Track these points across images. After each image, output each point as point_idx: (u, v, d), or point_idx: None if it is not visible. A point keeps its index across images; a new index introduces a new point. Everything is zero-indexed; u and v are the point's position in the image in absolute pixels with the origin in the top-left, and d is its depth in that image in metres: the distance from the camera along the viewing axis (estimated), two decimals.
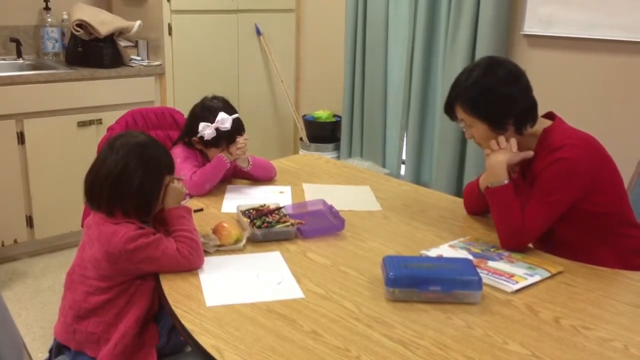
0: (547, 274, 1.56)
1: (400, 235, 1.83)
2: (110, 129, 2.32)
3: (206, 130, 2.10)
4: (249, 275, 1.54)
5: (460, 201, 2.07)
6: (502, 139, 1.76)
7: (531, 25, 2.93)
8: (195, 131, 2.13)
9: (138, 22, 3.42)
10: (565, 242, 1.75)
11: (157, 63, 3.56)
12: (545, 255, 1.69)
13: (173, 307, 1.39)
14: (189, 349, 1.67)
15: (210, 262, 1.60)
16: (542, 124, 1.79)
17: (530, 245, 1.75)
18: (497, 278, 1.52)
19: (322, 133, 4.06)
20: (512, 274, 1.55)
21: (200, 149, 2.20)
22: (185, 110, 2.30)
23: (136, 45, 3.67)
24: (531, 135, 1.77)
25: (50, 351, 1.67)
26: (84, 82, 3.24)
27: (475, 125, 1.79)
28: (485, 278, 1.50)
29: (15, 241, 3.21)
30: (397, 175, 3.68)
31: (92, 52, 3.34)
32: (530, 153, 1.76)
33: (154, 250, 1.52)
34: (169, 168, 1.65)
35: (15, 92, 3.03)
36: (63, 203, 3.26)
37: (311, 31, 4.17)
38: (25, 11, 3.61)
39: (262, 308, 1.39)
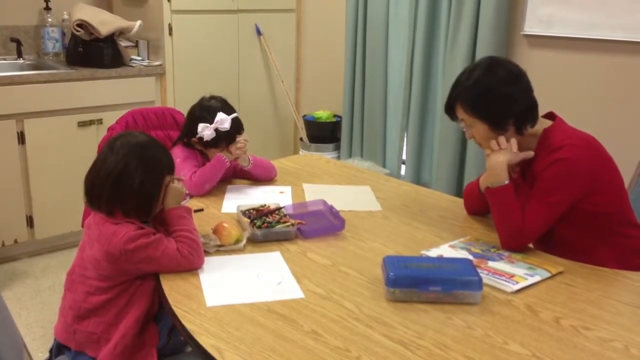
0: (548, 274, 1.56)
1: (400, 235, 1.83)
2: (110, 129, 2.32)
3: (205, 131, 2.10)
4: (249, 276, 1.54)
5: (460, 201, 2.07)
6: (502, 139, 1.76)
7: (531, 26, 2.93)
8: (194, 132, 2.12)
9: (138, 22, 3.42)
10: (566, 242, 1.75)
11: (157, 63, 3.56)
12: (546, 256, 1.69)
13: (173, 307, 1.39)
14: (189, 349, 1.67)
15: (210, 262, 1.60)
16: (543, 124, 1.79)
17: (531, 245, 1.75)
18: (498, 278, 1.52)
19: (323, 133, 4.06)
20: (512, 274, 1.55)
21: (200, 149, 2.20)
22: (185, 110, 2.30)
23: (136, 45, 3.67)
24: (531, 136, 1.77)
25: (51, 351, 1.67)
26: (85, 82, 3.24)
27: (475, 126, 1.79)
28: (486, 278, 1.50)
29: (16, 241, 3.22)
30: (398, 176, 3.68)
31: (93, 52, 3.34)
32: (531, 153, 1.76)
33: (154, 250, 1.52)
34: (169, 168, 1.65)
35: (16, 92, 3.03)
36: (63, 203, 3.26)
37: (311, 31, 4.17)
38: (25, 11, 3.61)
39: (262, 308, 1.39)
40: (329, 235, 1.80)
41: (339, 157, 4.01)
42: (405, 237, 1.82)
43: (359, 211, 2.00)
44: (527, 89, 1.76)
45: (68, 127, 3.23)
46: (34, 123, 3.12)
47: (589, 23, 2.72)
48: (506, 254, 1.68)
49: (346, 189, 2.23)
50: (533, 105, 1.77)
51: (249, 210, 1.88)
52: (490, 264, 1.61)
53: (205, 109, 2.16)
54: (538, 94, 1.77)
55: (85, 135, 3.28)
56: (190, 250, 1.55)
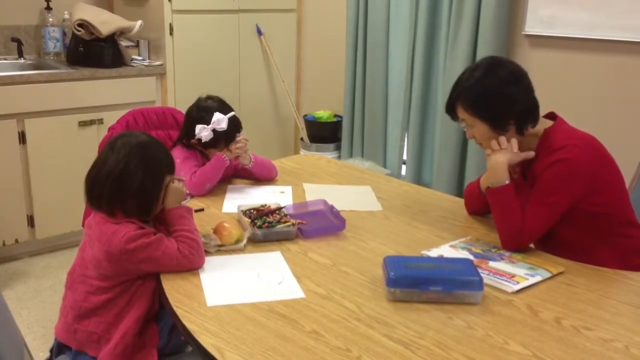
0: (548, 275, 1.56)
1: (401, 235, 1.83)
2: (111, 128, 2.32)
3: (203, 132, 2.10)
4: (249, 275, 1.54)
5: (461, 201, 2.07)
6: (503, 139, 1.76)
7: (532, 26, 2.93)
8: (193, 133, 2.12)
9: (139, 22, 3.43)
10: (566, 243, 1.75)
11: (158, 63, 3.56)
12: (546, 256, 1.69)
13: (174, 307, 1.39)
14: (189, 349, 1.67)
15: (211, 262, 1.60)
16: (544, 124, 1.79)
17: (531, 245, 1.75)
18: (498, 278, 1.52)
19: (323, 133, 4.06)
20: (513, 274, 1.55)
21: (200, 150, 2.20)
22: (186, 110, 2.30)
23: (137, 45, 3.67)
24: (532, 136, 1.77)
25: (51, 351, 1.67)
26: (85, 82, 3.24)
27: (476, 125, 1.79)
28: (486, 278, 1.50)
29: (16, 241, 3.22)
30: (398, 176, 3.68)
31: (93, 52, 3.34)
32: (532, 153, 1.76)
33: (154, 250, 1.52)
34: (170, 168, 1.65)
35: (17, 92, 3.03)
36: (64, 203, 3.26)
37: (312, 31, 4.17)
38: (26, 11, 3.61)
39: (262, 308, 1.39)
40: (329, 235, 1.80)
41: (339, 157, 4.01)
42: (406, 237, 1.82)
43: (360, 211, 2.00)
44: (528, 89, 1.76)
45: (69, 127, 3.24)
46: (34, 123, 3.12)
47: (589, 23, 2.72)
48: (507, 254, 1.68)
49: (347, 189, 2.23)
50: (534, 105, 1.76)
51: (249, 210, 1.88)
52: (491, 264, 1.61)
53: (202, 110, 2.15)
54: (539, 94, 1.77)
55: (86, 135, 3.28)
56: (191, 250, 1.55)
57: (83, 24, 3.31)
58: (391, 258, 1.52)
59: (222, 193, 2.13)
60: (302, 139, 4.11)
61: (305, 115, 4.15)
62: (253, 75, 4.02)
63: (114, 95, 3.34)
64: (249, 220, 1.80)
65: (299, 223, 1.80)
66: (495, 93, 1.74)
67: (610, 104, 2.74)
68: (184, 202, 1.72)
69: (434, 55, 3.39)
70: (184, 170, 2.07)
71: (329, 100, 4.13)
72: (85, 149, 3.19)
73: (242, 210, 1.88)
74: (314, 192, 2.15)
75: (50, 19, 3.59)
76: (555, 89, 2.87)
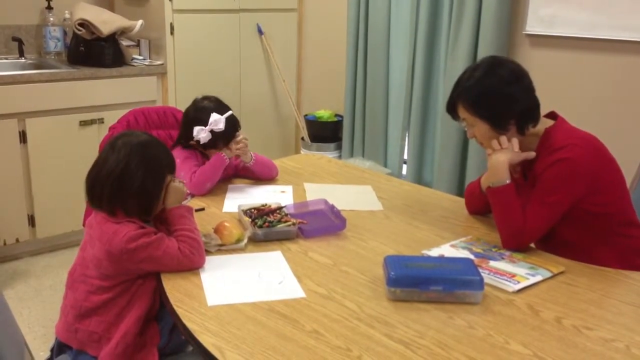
0: (549, 274, 1.56)
1: (401, 235, 1.83)
2: (111, 128, 2.32)
3: (201, 134, 2.10)
4: (250, 275, 1.54)
5: (461, 201, 2.07)
6: (503, 138, 1.75)
7: (533, 25, 2.93)
8: (191, 135, 2.12)
9: (140, 22, 3.43)
10: (567, 242, 1.75)
11: (159, 62, 3.56)
12: (547, 255, 1.69)
13: (174, 307, 1.39)
14: (190, 348, 1.67)
15: (211, 261, 1.60)
16: (544, 123, 1.79)
17: (532, 245, 1.75)
18: (499, 278, 1.52)
19: (324, 133, 4.06)
20: (513, 273, 1.55)
21: (200, 150, 2.20)
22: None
23: (138, 45, 3.67)
24: (533, 135, 1.77)
25: (52, 350, 1.67)
26: (86, 82, 3.24)
27: (476, 125, 1.78)
28: (487, 278, 1.50)
29: (17, 240, 3.22)
30: (399, 175, 3.68)
31: (94, 52, 3.34)
32: (532, 154, 1.75)
33: (155, 250, 1.52)
34: (171, 167, 1.65)
35: (17, 92, 3.03)
36: (65, 202, 3.26)
37: (313, 30, 4.17)
38: (27, 10, 3.61)
39: (263, 307, 1.39)
40: (330, 235, 1.80)
41: (340, 157, 4.01)
42: (407, 236, 1.82)
43: (360, 211, 2.00)
44: (528, 88, 1.76)
45: (69, 127, 3.24)
46: (35, 122, 3.12)
47: (590, 23, 2.72)
48: (507, 253, 1.68)
49: (347, 189, 2.23)
50: (535, 105, 1.76)
51: (250, 209, 1.88)
52: (492, 263, 1.60)
53: (199, 110, 2.15)
54: (539, 93, 1.77)
55: (87, 134, 3.28)
56: (192, 250, 1.55)
57: (84, 24, 3.31)
58: (392, 257, 1.52)
59: (223, 193, 2.13)
60: (302, 138, 4.11)
61: (306, 115, 4.15)
62: (254, 74, 4.02)
63: (114, 94, 3.34)
64: (250, 220, 1.80)
65: (299, 222, 1.80)
66: (496, 93, 1.73)
67: (611, 104, 2.74)
68: (184, 202, 1.72)
69: (435, 54, 3.39)
70: (184, 170, 2.07)
71: (330, 100, 4.13)
72: (86, 149, 3.19)
73: (242, 210, 1.88)
74: (315, 192, 2.15)
75: (51, 19, 3.59)
76: (556, 89, 2.87)
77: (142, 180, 1.56)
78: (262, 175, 2.27)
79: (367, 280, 1.53)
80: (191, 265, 1.55)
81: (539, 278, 1.54)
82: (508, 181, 1.73)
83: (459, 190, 3.22)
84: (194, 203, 1.99)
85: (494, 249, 1.70)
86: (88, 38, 3.35)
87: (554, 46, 2.89)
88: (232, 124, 2.14)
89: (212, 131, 2.10)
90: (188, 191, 1.97)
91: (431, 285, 1.42)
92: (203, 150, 2.19)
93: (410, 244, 1.76)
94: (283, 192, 2.16)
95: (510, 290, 1.48)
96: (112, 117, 3.04)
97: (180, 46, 3.59)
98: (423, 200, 2.13)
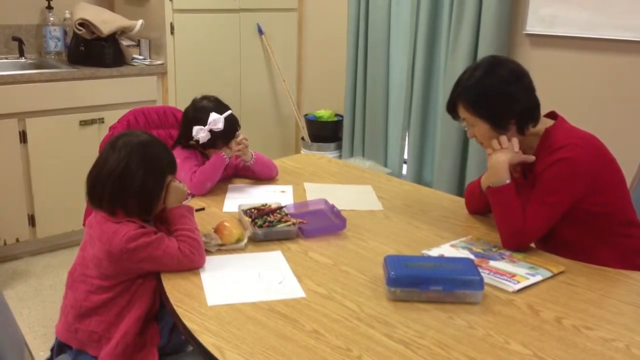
0: (549, 274, 1.56)
1: (401, 234, 1.83)
2: (112, 128, 2.32)
3: (200, 133, 2.10)
4: (250, 275, 1.54)
5: (461, 201, 2.07)
6: (503, 138, 1.75)
7: (533, 25, 2.92)
8: (190, 135, 2.12)
9: (140, 22, 3.43)
10: (567, 242, 1.75)
11: (159, 62, 3.56)
12: (547, 255, 1.69)
13: (174, 307, 1.39)
14: (190, 348, 1.67)
15: (211, 261, 1.60)
16: (545, 123, 1.79)
17: (532, 245, 1.75)
18: (499, 278, 1.52)
19: (324, 132, 4.06)
20: (513, 273, 1.55)
21: (200, 150, 2.20)
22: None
23: (138, 45, 3.67)
24: (533, 135, 1.77)
25: (52, 350, 1.67)
26: (86, 81, 3.24)
27: (477, 125, 1.78)
28: (487, 278, 1.50)
29: (17, 240, 3.22)
30: (399, 175, 3.68)
31: (95, 51, 3.34)
32: (532, 158, 1.76)
33: (155, 250, 1.52)
34: (171, 167, 1.65)
35: (18, 91, 3.03)
36: (65, 202, 3.26)
37: (313, 30, 4.17)
38: (27, 10, 3.61)
39: (263, 307, 1.39)
40: (330, 235, 1.80)
41: (340, 157, 4.01)
42: (407, 236, 1.82)
43: (361, 210, 2.00)
44: (528, 88, 1.76)
45: (70, 126, 3.24)
46: (35, 122, 3.12)
47: (591, 22, 2.72)
48: (507, 253, 1.68)
49: (347, 189, 2.23)
50: (535, 105, 1.76)
51: (250, 209, 1.88)
52: (492, 263, 1.60)
53: (198, 110, 2.15)
54: (540, 93, 1.77)
55: (87, 134, 3.28)
56: (192, 250, 1.55)
57: (84, 23, 3.31)
58: (392, 257, 1.52)
59: (223, 192, 2.13)
60: (302, 138, 4.11)
61: (306, 115, 4.15)
62: (254, 74, 4.02)
63: (114, 94, 3.34)
64: (250, 220, 1.80)
65: (299, 222, 1.80)
66: (496, 92, 1.73)
67: (611, 104, 2.74)
68: (184, 202, 1.72)
69: (435, 54, 3.39)
70: (184, 170, 2.07)
71: (330, 100, 4.13)
72: (86, 149, 3.19)
73: (242, 210, 1.88)
74: (315, 192, 2.15)
75: (51, 18, 3.59)
76: (556, 89, 2.86)
77: (142, 179, 1.56)
78: (262, 175, 2.26)
79: (367, 280, 1.53)
80: (191, 265, 1.55)
81: (539, 278, 1.54)
82: (508, 181, 1.73)
83: (459, 190, 3.21)
84: (194, 203, 1.99)
85: (494, 249, 1.70)
86: (88, 38, 3.35)
87: (554, 46, 2.89)
88: (232, 124, 2.14)
89: (211, 131, 2.10)
90: (189, 191, 1.97)
91: (431, 285, 1.42)
92: (203, 150, 2.19)
93: (410, 243, 1.76)
94: (283, 192, 2.16)
95: (510, 290, 1.48)
96: (112, 117, 3.04)
97: (181, 46, 3.59)
98: (423, 200, 2.13)
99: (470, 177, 3.18)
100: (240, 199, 2.07)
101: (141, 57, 3.63)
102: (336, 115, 4.08)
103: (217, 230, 1.71)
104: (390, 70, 3.67)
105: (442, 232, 1.84)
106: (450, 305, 1.42)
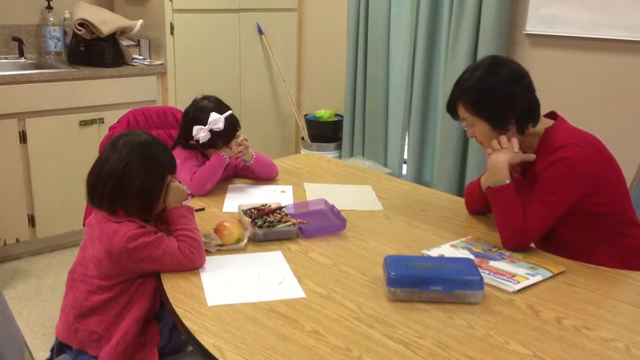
0: (549, 274, 1.56)
1: (401, 234, 1.83)
2: (112, 128, 2.32)
3: (200, 133, 2.10)
4: (250, 275, 1.54)
5: (461, 201, 2.07)
6: (503, 138, 1.75)
7: (533, 25, 2.92)
8: (191, 135, 2.12)
9: (140, 22, 3.43)
10: (567, 242, 1.75)
11: (159, 62, 3.56)
12: (547, 255, 1.69)
13: (174, 307, 1.39)
14: (190, 348, 1.67)
15: (211, 261, 1.60)
16: (544, 123, 1.79)
17: (532, 245, 1.75)
18: (499, 278, 1.52)
19: (324, 132, 4.06)
20: (513, 273, 1.55)
21: (200, 150, 2.20)
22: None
23: (138, 45, 3.67)
24: (533, 135, 1.77)
25: (52, 350, 1.67)
26: (86, 81, 3.24)
27: (476, 125, 1.78)
28: (487, 278, 1.50)
29: (17, 240, 3.22)
30: (399, 175, 3.68)
31: (94, 51, 3.34)
32: (532, 156, 1.75)
33: (155, 249, 1.52)
34: (171, 167, 1.65)
35: (17, 91, 3.03)
36: (65, 202, 3.26)
37: (313, 30, 4.17)
38: (27, 10, 3.61)
39: (263, 308, 1.39)
40: (330, 235, 1.80)
41: (340, 157, 4.01)
42: (407, 236, 1.82)
43: (360, 210, 2.00)
44: (529, 88, 1.75)
45: (69, 126, 3.24)
46: (35, 122, 3.12)
47: (591, 22, 2.72)
48: (507, 253, 1.68)
49: (347, 189, 2.23)
50: (535, 105, 1.76)
51: (250, 209, 1.88)
52: (492, 263, 1.60)
53: (198, 110, 2.15)
54: (540, 93, 1.77)
55: (87, 134, 3.29)
56: (192, 250, 1.55)
57: (84, 24, 3.31)
58: (392, 257, 1.52)
59: (223, 192, 2.13)
60: (302, 138, 4.11)
61: (306, 115, 4.15)
62: (254, 74, 4.02)
63: (114, 94, 3.34)
64: (250, 220, 1.80)
65: (299, 222, 1.80)
66: (496, 92, 1.73)
67: (612, 104, 2.74)
68: (184, 202, 1.72)
69: (435, 54, 3.39)
70: (184, 170, 2.07)
71: (330, 100, 4.13)
72: (86, 149, 3.19)
73: (242, 210, 1.88)
74: (315, 192, 2.15)
75: (51, 18, 3.59)
76: (556, 88, 2.86)
77: (142, 179, 1.56)
78: (262, 175, 2.26)
79: (367, 280, 1.53)
80: (191, 265, 1.56)
81: (539, 278, 1.54)
82: (508, 181, 1.73)
83: (459, 190, 3.22)
84: (194, 203, 1.99)
85: (494, 249, 1.70)
86: (88, 38, 3.35)
87: (554, 46, 2.88)
88: (232, 124, 2.14)
89: (211, 131, 2.10)
90: (189, 191, 1.97)
91: (431, 285, 1.42)
92: (203, 150, 2.19)
93: (410, 243, 1.76)
94: (283, 192, 2.16)
95: (510, 290, 1.48)
96: (112, 117, 3.04)
97: (180, 46, 3.59)
98: (423, 200, 2.13)
99: (470, 177, 3.18)
100: (240, 199, 2.07)
101: (141, 57, 3.63)
102: (336, 115, 4.08)
103: (217, 230, 1.71)
104: (390, 70, 3.67)
105: (442, 232, 1.84)
106: (450, 305, 1.42)
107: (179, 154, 2.14)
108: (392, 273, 1.43)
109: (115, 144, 1.59)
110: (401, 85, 3.60)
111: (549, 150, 1.72)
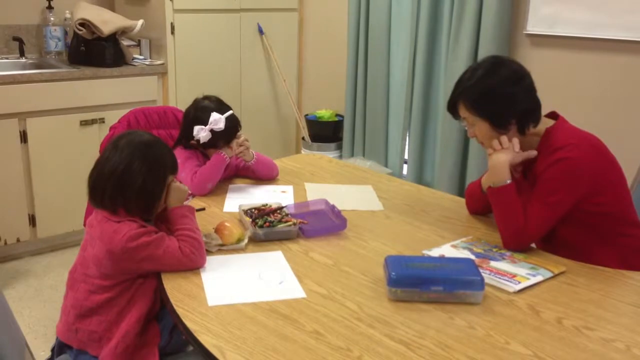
0: (550, 274, 1.56)
1: (402, 235, 1.83)
2: (112, 128, 2.32)
3: (201, 133, 2.10)
4: (250, 275, 1.54)
5: (462, 201, 2.07)
6: (504, 138, 1.75)
7: (534, 25, 2.92)
8: (192, 135, 2.12)
9: (140, 21, 3.43)
10: (568, 243, 1.75)
11: (159, 62, 3.56)
12: (548, 255, 1.69)
13: (175, 307, 1.39)
14: (190, 348, 1.67)
15: (212, 261, 1.60)
16: (545, 123, 1.79)
17: (533, 245, 1.75)
18: (500, 278, 1.52)
19: (325, 132, 4.06)
20: (514, 274, 1.55)
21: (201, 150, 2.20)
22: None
23: (139, 45, 3.68)
24: (534, 135, 1.77)
25: (53, 350, 1.67)
26: (87, 81, 3.25)
27: (477, 124, 1.78)
28: (488, 278, 1.50)
29: (18, 240, 3.22)
30: (399, 175, 3.68)
31: (95, 51, 3.35)
32: (534, 152, 1.75)
33: (155, 249, 1.52)
34: (173, 167, 1.65)
35: (18, 91, 3.03)
36: (65, 202, 3.26)
37: (314, 30, 4.17)
38: (28, 10, 3.61)
39: (264, 308, 1.39)
40: (330, 235, 1.80)
41: (341, 157, 4.00)
42: (407, 236, 1.82)
43: (361, 211, 2.00)
44: (529, 89, 1.75)
45: (70, 126, 3.24)
46: (36, 122, 3.12)
47: (592, 22, 2.72)
48: (508, 253, 1.68)
49: (348, 189, 2.23)
50: (536, 105, 1.76)
51: (250, 209, 1.88)
52: (492, 263, 1.60)
53: (199, 110, 2.15)
54: (540, 93, 1.77)
55: (88, 134, 3.29)
56: (192, 249, 1.55)
57: (84, 23, 3.31)
58: (392, 258, 1.52)
59: (224, 192, 2.13)
60: (303, 138, 4.11)
61: (307, 115, 4.15)
62: (254, 74, 4.02)
63: (115, 94, 3.34)
64: (250, 220, 1.80)
65: (300, 222, 1.80)
66: (497, 92, 1.73)
67: (612, 104, 2.73)
68: (185, 202, 1.72)
69: (436, 54, 3.39)
70: (185, 170, 2.07)
71: (331, 100, 4.13)
72: (86, 148, 3.19)
73: (243, 210, 1.88)
74: (315, 192, 2.15)
75: (52, 18, 3.60)
76: (557, 89, 2.86)
77: (143, 179, 1.56)
78: (262, 175, 2.26)
79: (367, 280, 1.53)
80: (192, 265, 1.56)
81: (539, 278, 1.54)
82: (509, 181, 1.73)
83: (460, 190, 3.22)
84: (195, 203, 1.99)
85: (494, 249, 1.70)
86: (89, 38, 3.35)
87: (554, 46, 2.88)
88: (233, 124, 2.14)
89: (212, 131, 2.10)
90: (190, 191, 1.97)
91: (432, 286, 1.42)
92: (204, 150, 2.19)
93: (410, 244, 1.76)
94: (284, 192, 2.16)
95: (511, 290, 1.48)
96: (112, 117, 3.04)
97: (181, 46, 3.59)
98: (424, 200, 2.13)
99: (470, 177, 3.18)
100: (241, 199, 2.07)
101: (141, 57, 3.63)
102: (337, 115, 4.08)
103: (217, 230, 1.71)
104: (390, 70, 3.67)
105: (442, 232, 1.84)
106: (451, 305, 1.42)
107: (179, 154, 2.14)
108: (393, 273, 1.43)
109: (117, 144, 1.59)
110: (402, 85, 3.60)
111: (550, 150, 1.72)
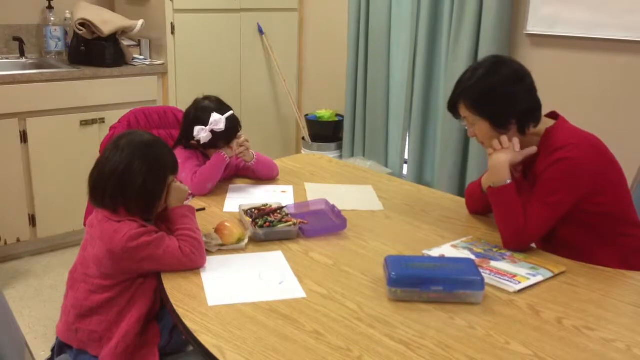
0: (550, 274, 1.56)
1: (402, 235, 1.83)
2: (112, 128, 2.32)
3: (201, 133, 2.10)
4: (251, 275, 1.54)
5: (462, 201, 2.07)
6: (504, 138, 1.75)
7: (534, 25, 2.92)
8: (192, 135, 2.12)
9: (141, 22, 3.43)
10: (568, 243, 1.75)
11: (159, 62, 3.56)
12: (548, 255, 1.69)
13: (175, 307, 1.39)
14: (190, 348, 1.67)
15: (212, 261, 1.60)
16: (545, 123, 1.79)
17: (533, 245, 1.75)
18: (500, 278, 1.52)
19: (325, 132, 4.06)
20: (514, 274, 1.55)
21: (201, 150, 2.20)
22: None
23: (139, 45, 3.68)
24: (534, 135, 1.77)
25: (53, 350, 1.67)
26: (87, 81, 3.25)
27: (477, 124, 1.78)
28: (488, 278, 1.50)
29: (18, 240, 3.22)
30: (400, 175, 3.68)
31: (95, 51, 3.35)
32: (534, 149, 1.75)
33: (156, 249, 1.52)
34: (173, 167, 1.65)
35: (18, 91, 3.03)
36: (65, 202, 3.26)
37: (314, 30, 4.17)
38: (28, 10, 3.61)
39: (264, 308, 1.39)
40: (330, 235, 1.80)
41: (341, 157, 4.00)
42: (407, 236, 1.82)
43: (361, 211, 2.00)
44: (530, 89, 1.75)
45: (70, 126, 3.24)
46: (36, 122, 3.12)
47: (592, 22, 2.72)
48: (508, 253, 1.68)
49: (348, 189, 2.23)
50: (536, 105, 1.76)
51: (251, 209, 1.88)
52: (493, 263, 1.60)
53: (199, 110, 2.15)
54: (540, 93, 1.77)
55: (88, 134, 3.29)
56: (192, 249, 1.55)
57: (85, 23, 3.31)
58: (392, 258, 1.52)
59: (224, 192, 2.13)
60: (303, 138, 4.11)
61: (307, 115, 4.15)
62: (254, 74, 4.02)
63: (115, 94, 3.34)
64: (251, 220, 1.80)
65: (300, 222, 1.80)
66: (498, 92, 1.73)
67: (612, 104, 2.73)
68: (185, 202, 1.72)
69: (436, 54, 3.39)
70: (185, 170, 2.07)
71: (331, 100, 4.13)
72: (86, 148, 3.19)
73: (243, 210, 1.88)
74: (316, 192, 2.15)
75: (52, 18, 3.60)
76: (557, 89, 2.86)
77: (144, 179, 1.56)
78: (263, 175, 2.26)
79: (367, 280, 1.53)
80: (192, 265, 1.56)
81: (539, 278, 1.54)
82: (509, 181, 1.73)
83: (460, 190, 3.22)
84: (195, 203, 1.99)
85: (494, 249, 1.70)
86: (89, 38, 3.35)
87: (555, 46, 2.88)
88: (233, 124, 2.14)
89: (212, 131, 2.10)
90: (190, 191, 1.97)
91: (432, 286, 1.42)
92: (204, 151, 2.19)
93: (410, 244, 1.76)
94: (284, 192, 2.16)
95: (511, 290, 1.48)
96: (113, 117, 3.04)
97: (181, 46, 3.59)
98: (424, 200, 2.13)
99: (471, 177, 3.18)
100: (241, 199, 2.07)
101: (142, 57, 3.63)
102: (337, 115, 4.08)
103: (217, 230, 1.71)
104: (390, 70, 3.67)
105: (442, 232, 1.84)
106: (451, 305, 1.42)
107: (180, 154, 2.13)
108: (393, 273, 1.43)
109: (118, 144, 1.59)
110: (402, 85, 3.60)
111: (550, 150, 1.72)
